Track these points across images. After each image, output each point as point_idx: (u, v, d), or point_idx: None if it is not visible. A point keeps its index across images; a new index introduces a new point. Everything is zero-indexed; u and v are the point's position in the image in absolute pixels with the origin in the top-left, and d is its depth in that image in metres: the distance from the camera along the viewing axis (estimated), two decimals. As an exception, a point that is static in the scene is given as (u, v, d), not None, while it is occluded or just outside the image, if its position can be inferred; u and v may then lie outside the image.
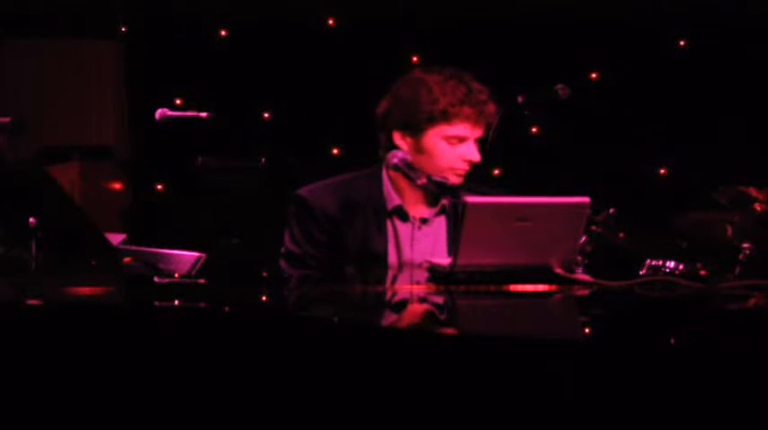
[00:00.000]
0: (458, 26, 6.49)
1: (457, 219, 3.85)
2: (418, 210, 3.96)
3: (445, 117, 3.85)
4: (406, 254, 3.92)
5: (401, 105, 3.92)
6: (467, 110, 3.85)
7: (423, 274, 3.65)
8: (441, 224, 3.97)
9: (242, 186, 5.68)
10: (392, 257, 3.93)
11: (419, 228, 3.95)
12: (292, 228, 3.95)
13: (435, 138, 3.88)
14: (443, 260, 3.49)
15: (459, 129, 3.86)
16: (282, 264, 3.95)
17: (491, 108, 3.89)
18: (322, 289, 3.81)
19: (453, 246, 3.42)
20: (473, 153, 3.87)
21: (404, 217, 3.95)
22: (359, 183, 3.98)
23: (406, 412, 2.69)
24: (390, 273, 3.89)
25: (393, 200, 3.95)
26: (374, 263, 3.90)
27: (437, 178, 3.80)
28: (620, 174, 6.26)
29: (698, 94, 6.38)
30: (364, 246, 3.91)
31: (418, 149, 3.90)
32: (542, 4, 6.48)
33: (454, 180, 3.85)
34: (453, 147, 3.87)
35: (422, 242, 3.94)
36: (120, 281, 3.58)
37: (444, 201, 3.94)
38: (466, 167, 3.88)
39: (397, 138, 3.92)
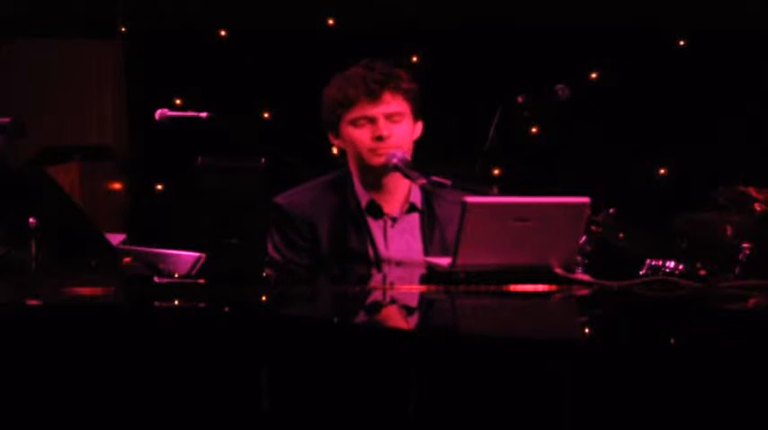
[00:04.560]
0: (458, 27, 6.49)
1: (434, 220, 3.87)
2: (390, 208, 3.96)
3: (342, 105, 3.89)
4: (382, 251, 3.92)
5: (322, 110, 3.97)
6: (358, 91, 3.86)
7: (401, 271, 3.66)
8: (414, 221, 3.96)
9: (242, 186, 5.68)
10: (369, 255, 3.93)
11: (392, 226, 3.94)
12: (273, 236, 3.96)
13: (346, 127, 3.91)
14: (443, 260, 3.49)
15: (358, 110, 3.88)
16: (268, 271, 3.95)
17: (395, 82, 3.88)
18: (314, 289, 3.80)
19: (453, 245, 3.41)
20: (379, 129, 3.86)
21: (377, 214, 3.94)
22: (331, 184, 3.98)
23: (407, 412, 2.69)
24: (372, 271, 3.89)
25: (364, 197, 3.94)
26: (355, 262, 3.90)
27: (435, 178, 3.80)
28: (620, 174, 6.26)
29: (698, 93, 6.39)
30: (344, 246, 3.90)
31: (345, 144, 3.92)
32: (542, 5, 6.48)
33: (376, 161, 3.85)
34: (364, 130, 3.88)
35: (396, 239, 3.93)
36: (120, 281, 3.58)
37: (413, 199, 3.93)
38: (380, 145, 3.84)
39: (333, 140, 3.96)
